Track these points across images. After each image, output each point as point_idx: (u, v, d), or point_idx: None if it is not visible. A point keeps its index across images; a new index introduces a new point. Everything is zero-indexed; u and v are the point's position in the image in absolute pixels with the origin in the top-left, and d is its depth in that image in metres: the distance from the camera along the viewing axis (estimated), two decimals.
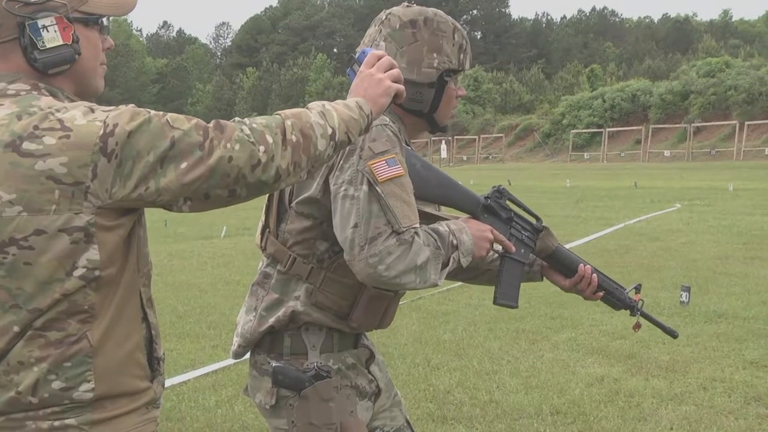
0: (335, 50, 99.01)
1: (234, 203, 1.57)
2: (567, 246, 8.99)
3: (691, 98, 50.62)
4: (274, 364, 2.04)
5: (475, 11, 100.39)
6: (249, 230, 14.15)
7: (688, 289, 7.31)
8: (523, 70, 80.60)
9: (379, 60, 1.83)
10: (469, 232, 2.05)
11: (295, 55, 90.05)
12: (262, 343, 2.09)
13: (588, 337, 6.38)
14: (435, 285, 1.98)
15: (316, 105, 1.70)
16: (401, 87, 1.84)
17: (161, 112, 1.51)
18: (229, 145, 1.49)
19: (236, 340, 2.14)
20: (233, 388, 5.17)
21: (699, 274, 8.88)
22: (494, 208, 2.19)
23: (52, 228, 1.43)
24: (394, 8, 2.13)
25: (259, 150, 1.52)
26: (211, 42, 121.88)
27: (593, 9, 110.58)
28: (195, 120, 1.51)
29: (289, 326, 2.04)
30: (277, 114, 1.62)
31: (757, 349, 5.80)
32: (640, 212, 15.93)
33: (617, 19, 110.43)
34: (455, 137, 58.53)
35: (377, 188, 1.87)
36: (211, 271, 10.17)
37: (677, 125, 49.65)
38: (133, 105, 1.51)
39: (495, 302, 2.29)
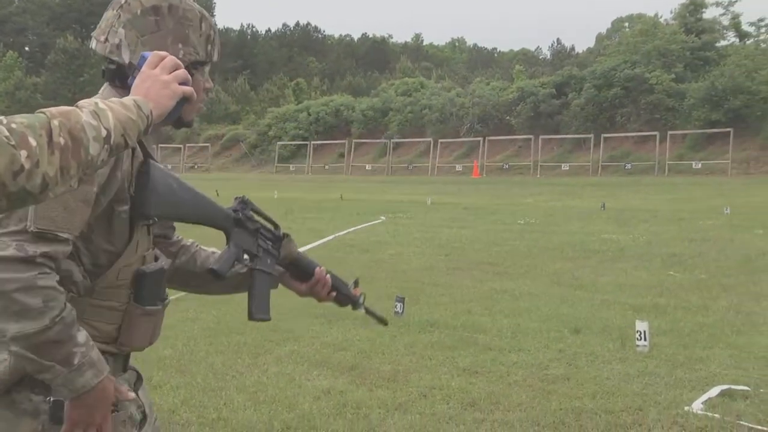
0: (27, 48, 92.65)
1: None
2: None
3: (390, 115, 53.51)
4: (52, 399, 1.76)
5: None
6: None
7: (402, 300, 7.63)
8: (229, 81, 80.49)
9: (162, 60, 1.68)
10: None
11: None
12: (22, 381, 1.78)
13: (310, 349, 6.42)
14: None
15: (87, 103, 1.50)
16: (190, 89, 1.70)
17: None
18: None
19: None
20: None
21: (409, 284, 9.31)
22: (242, 221, 2.11)
23: None
24: None
25: (20, 155, 1.30)
26: None
27: (297, 24, 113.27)
28: None
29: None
30: (41, 112, 1.40)
31: (467, 356, 6.16)
32: (349, 224, 16.46)
33: (320, 36, 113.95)
34: (159, 146, 57.00)
35: None
36: None
37: (378, 140, 52.20)
38: None
39: (251, 318, 2.19)
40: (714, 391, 5.08)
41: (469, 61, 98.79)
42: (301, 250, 8.39)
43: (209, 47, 2.00)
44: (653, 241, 13.06)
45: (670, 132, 41.97)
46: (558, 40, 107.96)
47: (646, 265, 10.62)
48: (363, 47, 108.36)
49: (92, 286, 1.81)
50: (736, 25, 52.68)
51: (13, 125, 1.32)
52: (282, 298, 7.69)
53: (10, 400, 1.80)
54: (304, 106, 57.92)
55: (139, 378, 2.04)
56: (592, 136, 44.30)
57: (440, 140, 49.76)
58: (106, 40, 1.89)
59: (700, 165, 39.28)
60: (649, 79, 44.56)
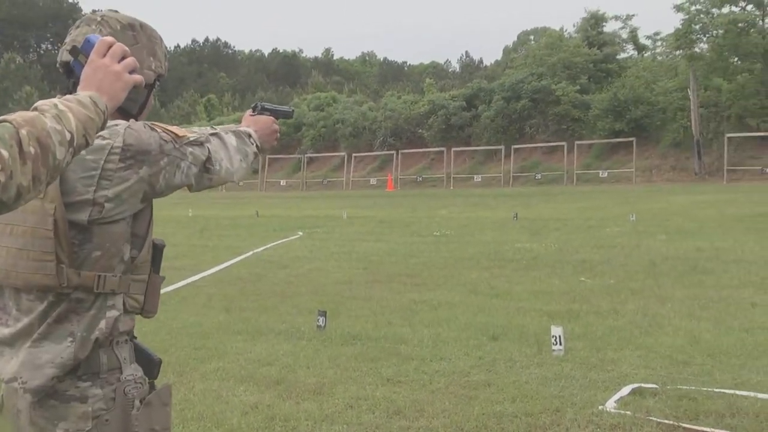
0: None
1: None
2: (198, 276, 9.07)
3: (304, 130, 53.53)
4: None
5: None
6: None
7: (324, 314, 7.72)
8: None
9: (110, 48, 1.73)
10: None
11: None
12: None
13: (235, 365, 6.46)
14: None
15: (48, 106, 1.52)
16: (140, 78, 1.81)
17: None
18: None
19: (42, 373, 1.99)
20: None
21: (329, 298, 9.40)
22: None
23: None
24: (105, 11, 2.17)
25: None
26: None
27: (207, 39, 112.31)
28: None
29: (104, 343, 2.03)
30: (5, 121, 1.42)
31: (390, 367, 6.29)
32: (266, 240, 16.45)
33: (230, 51, 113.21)
34: None
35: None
36: None
37: (292, 156, 52.12)
38: None
39: None
40: (625, 390, 5.34)
41: (379, 74, 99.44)
42: (219, 267, 8.51)
43: (166, 63, 2.26)
44: (564, 249, 13.48)
45: (577, 142, 43.30)
46: (467, 53, 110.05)
47: (558, 273, 10.96)
48: (274, 62, 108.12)
49: (134, 262, 2.06)
50: (634, 38, 54.59)
51: None
52: (203, 317, 7.80)
53: (53, 388, 2.00)
54: (216, 122, 57.40)
55: None
56: (502, 147, 45.29)
57: (354, 154, 50.08)
58: None
59: (606, 174, 40.64)
60: (555, 90, 45.90)
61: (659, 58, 51.61)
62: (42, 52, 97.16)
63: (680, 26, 41.73)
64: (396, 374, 6.08)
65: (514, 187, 41.00)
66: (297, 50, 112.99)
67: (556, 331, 6.48)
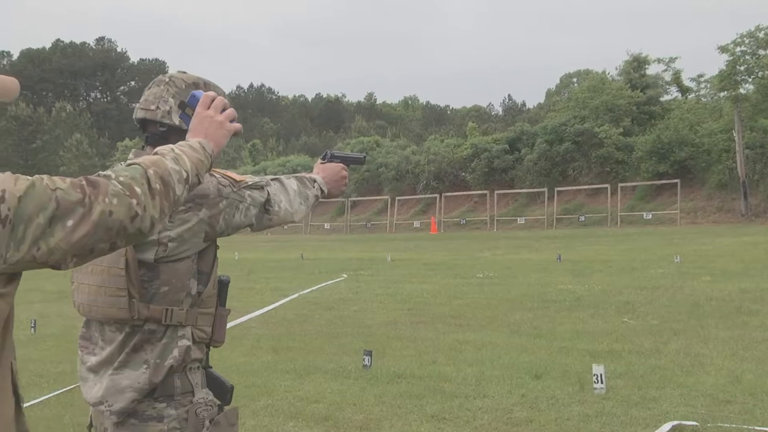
0: None
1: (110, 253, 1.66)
2: (246, 317, 9.33)
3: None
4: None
5: (132, 82, 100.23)
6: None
7: (369, 354, 7.92)
8: None
9: (213, 101, 2.03)
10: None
11: None
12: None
13: (284, 402, 6.67)
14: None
15: (167, 150, 1.82)
16: (239, 126, 2.09)
17: (38, 175, 1.57)
18: (107, 200, 1.57)
19: (124, 397, 2.24)
20: None
21: (374, 339, 9.60)
22: None
23: None
24: (174, 72, 2.45)
25: (133, 202, 1.61)
26: None
27: (251, 86, 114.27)
28: (69, 179, 1.58)
29: (178, 369, 2.27)
30: (135, 164, 1.70)
31: (435, 404, 6.46)
32: (311, 283, 16.71)
33: (274, 97, 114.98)
34: None
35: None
36: None
37: (336, 199, 52.49)
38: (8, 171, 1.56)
39: None
40: (666, 428, 5.45)
41: (422, 118, 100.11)
42: (266, 309, 8.80)
43: None
44: (608, 290, 13.52)
45: (620, 184, 43.11)
46: (509, 96, 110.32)
47: (601, 313, 11.03)
48: (317, 107, 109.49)
49: (201, 297, 2.32)
50: (677, 80, 54.41)
51: (121, 178, 1.64)
52: (252, 357, 8.11)
53: (133, 409, 2.26)
54: (261, 167, 58.36)
55: None
56: (545, 189, 45.27)
57: (397, 197, 50.41)
58: (158, 107, 2.35)
59: (650, 215, 40.32)
60: (598, 133, 45.80)
61: (703, 99, 51.36)
62: (91, 100, 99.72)
63: (724, 68, 41.46)
64: (440, 411, 6.24)
65: (558, 229, 40.91)
66: (340, 95, 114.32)
67: (598, 369, 6.60)
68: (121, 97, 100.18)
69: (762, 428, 5.42)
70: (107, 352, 2.30)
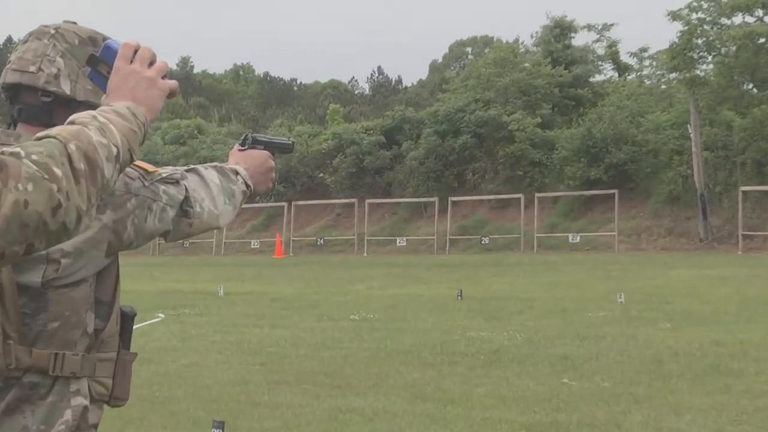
0: None
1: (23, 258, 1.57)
2: None
3: None
4: None
5: None
6: None
7: (221, 426, 7.76)
8: None
9: (136, 52, 1.93)
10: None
11: None
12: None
13: None
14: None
15: (87, 118, 1.72)
16: (175, 83, 1.99)
17: None
18: (20, 186, 1.48)
19: None
20: None
21: (220, 406, 9.45)
22: None
23: None
24: (62, 23, 2.35)
25: (53, 188, 1.52)
26: None
27: None
28: None
29: None
30: (51, 137, 1.61)
31: None
32: None
33: None
34: None
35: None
36: None
37: None
38: None
39: None
40: None
41: (259, 96, 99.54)
42: None
43: None
44: (534, 340, 13.81)
45: (537, 194, 43.98)
46: (379, 68, 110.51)
47: (530, 371, 11.24)
48: None
49: (100, 337, 2.22)
50: (613, 55, 56.14)
51: (34, 157, 1.53)
52: None
53: None
54: None
55: None
56: (435, 199, 45.83)
57: None
58: (40, 69, 2.23)
59: (578, 238, 41.38)
60: (507, 123, 46.63)
61: (648, 82, 53.26)
62: None
63: (677, 40, 42.12)
64: None
65: (453, 254, 41.57)
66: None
67: None
68: None
69: None
70: None
